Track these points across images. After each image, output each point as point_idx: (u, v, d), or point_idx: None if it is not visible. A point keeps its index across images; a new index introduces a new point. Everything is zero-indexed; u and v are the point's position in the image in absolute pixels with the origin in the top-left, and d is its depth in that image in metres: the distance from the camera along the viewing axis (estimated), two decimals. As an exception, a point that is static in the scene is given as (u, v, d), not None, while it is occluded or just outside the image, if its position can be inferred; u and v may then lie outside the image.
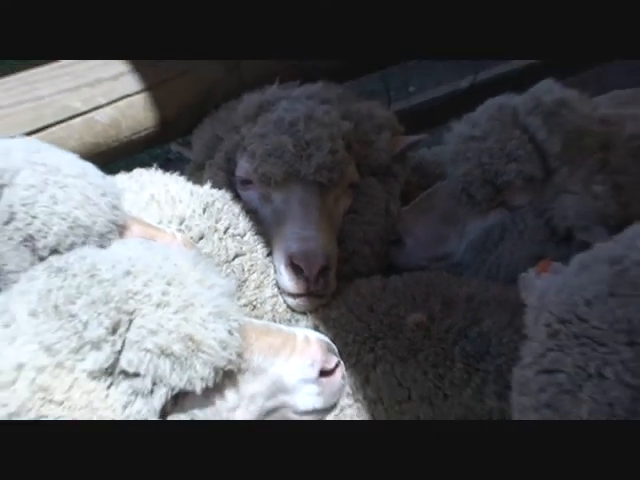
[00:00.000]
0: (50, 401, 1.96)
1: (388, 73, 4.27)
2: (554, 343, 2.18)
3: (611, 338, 2.09)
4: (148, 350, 1.98)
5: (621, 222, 2.47)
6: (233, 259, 2.92)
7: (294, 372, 2.28)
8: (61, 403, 1.97)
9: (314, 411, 2.34)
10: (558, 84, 3.11)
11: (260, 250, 2.99)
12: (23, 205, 2.37)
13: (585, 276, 2.22)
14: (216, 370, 2.07)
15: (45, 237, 2.37)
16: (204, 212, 2.95)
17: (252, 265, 2.95)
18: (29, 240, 2.38)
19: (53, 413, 1.96)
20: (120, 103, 3.21)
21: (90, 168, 2.56)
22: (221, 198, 3.02)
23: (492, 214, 3.01)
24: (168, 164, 3.16)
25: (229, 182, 3.08)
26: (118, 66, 3.24)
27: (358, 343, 2.73)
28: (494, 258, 2.98)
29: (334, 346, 2.38)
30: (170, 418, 2.11)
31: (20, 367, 1.96)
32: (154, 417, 2.05)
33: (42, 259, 2.33)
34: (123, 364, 1.98)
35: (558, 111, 2.96)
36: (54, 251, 2.36)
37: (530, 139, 2.94)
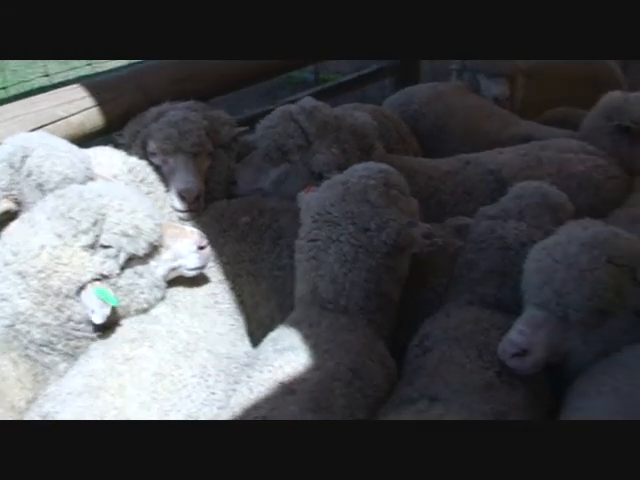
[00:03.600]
0: (59, 263, 2.00)
1: (227, 99, 4.16)
2: (315, 225, 2.36)
3: (343, 221, 2.30)
4: (114, 233, 2.05)
5: (345, 167, 2.63)
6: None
7: (186, 247, 2.34)
8: (66, 264, 2.00)
9: (195, 268, 2.40)
10: (313, 99, 3.19)
11: (161, 189, 2.95)
12: (37, 167, 2.39)
13: (329, 191, 2.41)
14: (149, 244, 2.14)
15: (48, 184, 2.38)
16: (129, 172, 2.89)
17: (157, 198, 2.90)
18: (39, 186, 2.39)
19: (61, 269, 1.99)
20: (84, 112, 3.13)
21: (74, 147, 2.56)
22: (140, 164, 2.96)
23: (282, 165, 3.05)
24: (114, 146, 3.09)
25: (145, 155, 3.01)
26: (82, 92, 3.16)
27: (215, 233, 2.74)
28: (283, 188, 3.03)
29: (204, 235, 2.44)
30: (124, 271, 2.12)
31: (42, 247, 2.01)
32: (117, 270, 2.08)
33: (45, 195, 2.32)
34: (101, 241, 2.04)
35: (313, 112, 3.04)
36: (53, 190, 2.34)
37: (299, 127, 3.01)
